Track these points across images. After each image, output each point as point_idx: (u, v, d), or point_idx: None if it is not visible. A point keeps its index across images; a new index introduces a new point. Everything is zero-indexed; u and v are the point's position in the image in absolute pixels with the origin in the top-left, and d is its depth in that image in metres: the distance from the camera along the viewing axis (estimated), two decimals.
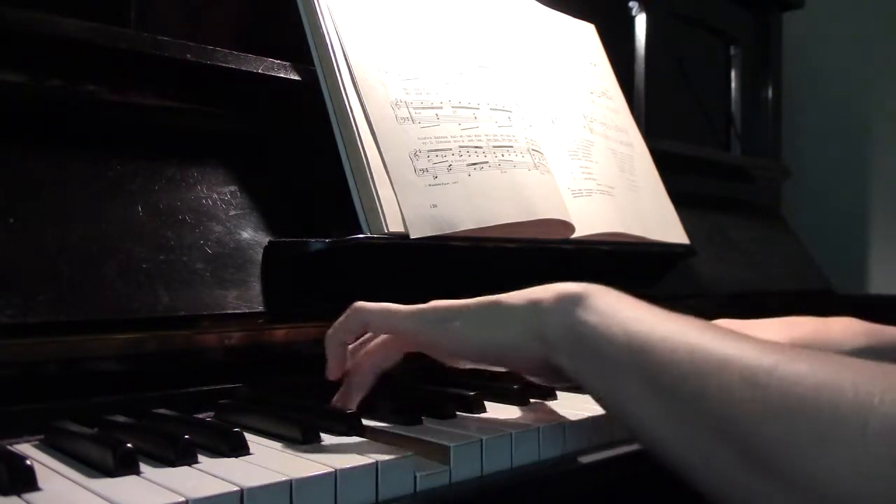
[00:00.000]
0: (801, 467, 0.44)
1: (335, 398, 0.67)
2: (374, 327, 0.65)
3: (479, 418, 0.68)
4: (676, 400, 0.50)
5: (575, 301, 0.57)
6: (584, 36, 1.16)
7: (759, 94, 1.71)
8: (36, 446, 0.59)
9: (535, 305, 0.59)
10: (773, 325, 0.88)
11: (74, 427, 0.58)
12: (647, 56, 1.40)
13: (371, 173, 0.76)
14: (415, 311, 0.63)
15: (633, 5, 1.41)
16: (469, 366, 0.65)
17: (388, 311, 0.64)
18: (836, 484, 0.43)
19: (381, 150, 0.78)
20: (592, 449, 0.65)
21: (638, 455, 0.61)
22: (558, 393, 0.77)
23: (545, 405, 0.74)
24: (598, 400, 0.57)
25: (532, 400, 0.75)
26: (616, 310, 0.55)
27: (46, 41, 0.69)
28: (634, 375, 0.52)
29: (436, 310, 0.62)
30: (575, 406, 0.71)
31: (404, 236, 0.76)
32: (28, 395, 0.61)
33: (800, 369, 0.46)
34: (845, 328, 0.87)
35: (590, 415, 0.67)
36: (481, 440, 0.58)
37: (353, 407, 0.64)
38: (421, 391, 0.75)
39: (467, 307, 0.62)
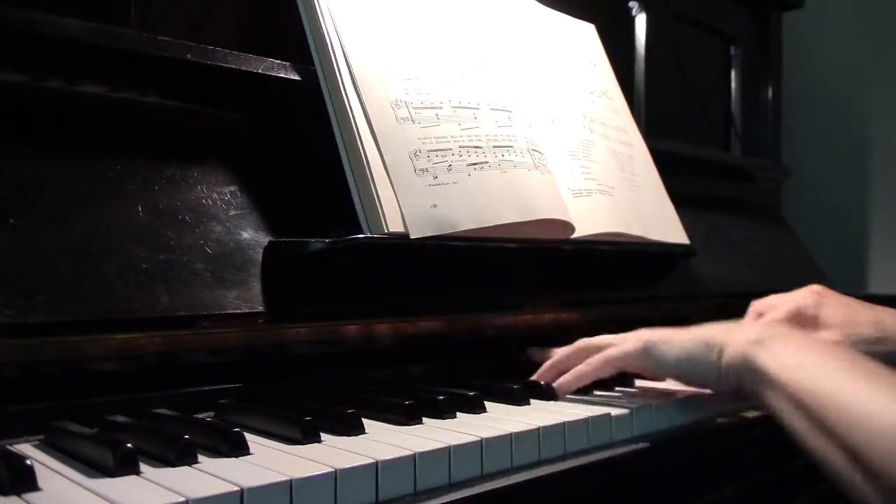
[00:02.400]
0: None
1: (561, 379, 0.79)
2: (604, 366, 0.79)
3: (479, 418, 0.68)
4: (829, 439, 0.61)
5: (754, 345, 0.68)
6: (584, 36, 1.16)
7: (759, 94, 1.71)
8: (36, 446, 0.59)
9: (723, 348, 0.71)
10: None
11: (74, 427, 0.58)
12: (647, 56, 1.40)
13: (371, 173, 0.76)
14: (641, 346, 0.78)
15: (633, 5, 1.41)
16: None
17: (620, 352, 0.78)
18: None
19: (381, 150, 0.78)
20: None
21: None
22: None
23: (546, 405, 0.75)
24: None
25: (533, 400, 0.75)
26: (788, 356, 0.67)
27: (46, 41, 0.68)
28: (801, 420, 0.63)
29: (655, 344, 0.77)
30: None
31: (404, 236, 0.76)
32: (28, 395, 0.61)
33: None
34: None
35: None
36: (481, 440, 0.58)
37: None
38: (421, 391, 0.75)
39: (680, 343, 0.76)
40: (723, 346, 0.72)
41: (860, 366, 0.65)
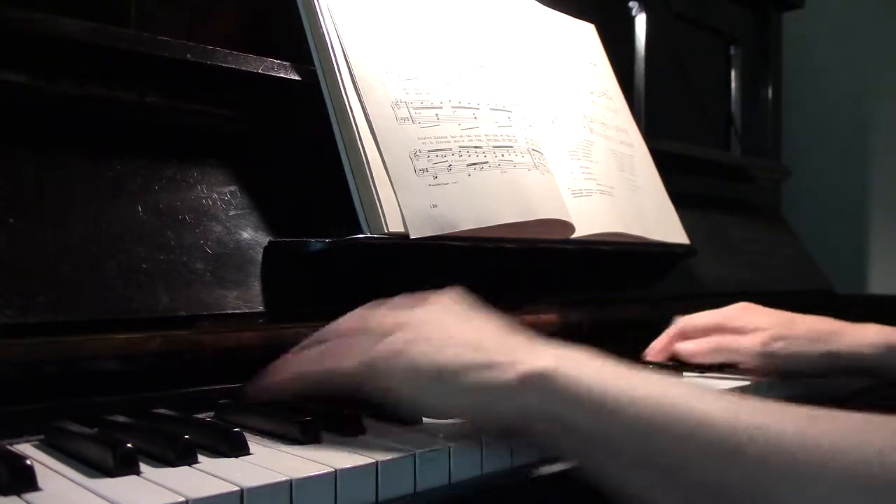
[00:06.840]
0: None
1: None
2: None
3: None
4: (658, 472, 0.51)
5: (541, 382, 0.54)
6: (584, 36, 1.16)
7: (759, 94, 1.71)
8: (36, 446, 0.59)
9: (495, 389, 0.56)
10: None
11: (74, 427, 0.58)
12: (647, 56, 1.40)
13: (371, 173, 0.76)
14: (363, 364, 0.59)
15: (633, 5, 1.41)
16: None
17: (329, 368, 0.62)
18: None
19: (381, 150, 0.78)
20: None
21: None
22: None
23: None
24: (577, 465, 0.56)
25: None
26: (585, 385, 0.54)
27: (46, 41, 0.68)
28: (620, 455, 0.52)
29: (382, 367, 0.59)
30: None
31: (404, 236, 0.76)
32: (28, 395, 0.61)
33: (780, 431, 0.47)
34: None
35: None
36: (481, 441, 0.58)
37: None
38: None
39: (416, 372, 0.57)
40: (494, 396, 0.56)
41: (674, 384, 0.54)
